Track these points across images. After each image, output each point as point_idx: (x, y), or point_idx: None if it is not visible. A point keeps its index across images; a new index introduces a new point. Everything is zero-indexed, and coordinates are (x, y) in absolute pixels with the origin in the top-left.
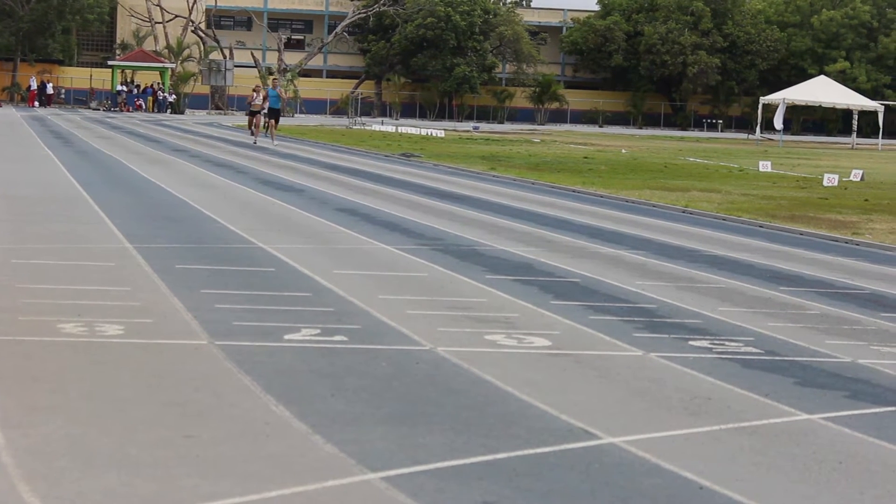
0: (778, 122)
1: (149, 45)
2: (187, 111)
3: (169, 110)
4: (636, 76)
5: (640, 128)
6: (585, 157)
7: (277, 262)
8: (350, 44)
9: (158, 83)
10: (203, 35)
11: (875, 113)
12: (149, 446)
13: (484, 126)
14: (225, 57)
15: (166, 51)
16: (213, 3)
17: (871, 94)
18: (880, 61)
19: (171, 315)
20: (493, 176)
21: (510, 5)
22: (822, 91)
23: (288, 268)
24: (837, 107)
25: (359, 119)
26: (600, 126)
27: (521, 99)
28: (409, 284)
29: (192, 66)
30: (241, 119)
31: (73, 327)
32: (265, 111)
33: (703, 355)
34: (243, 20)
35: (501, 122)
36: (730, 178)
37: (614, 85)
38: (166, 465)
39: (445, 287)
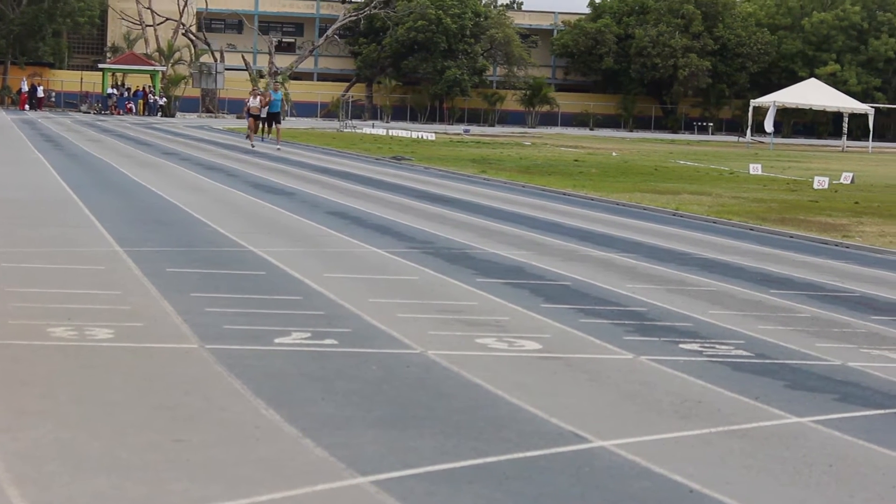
0: (768, 125)
1: (139, 48)
2: (178, 114)
3: (159, 113)
4: (627, 79)
5: (631, 131)
6: (576, 160)
7: (268, 265)
8: (341, 47)
9: (149, 86)
10: (194, 38)
11: (865, 116)
12: (139, 450)
13: (475, 129)
14: (216, 60)
15: (157, 54)
16: (204, 6)
17: (862, 97)
18: (870, 64)
19: (162, 318)
20: (484, 179)
21: (501, 8)
22: (812, 94)
23: (278, 271)
24: (828, 109)
25: (349, 122)
26: (591, 129)
27: (511, 102)
28: (400, 288)
29: (182, 69)
30: (232, 122)
31: (62, 331)
32: (262, 116)
33: (693, 358)
34: (234, 23)
35: (492, 125)
36: (720, 181)
37: (605, 88)
38: (156, 468)
39: (436, 290)
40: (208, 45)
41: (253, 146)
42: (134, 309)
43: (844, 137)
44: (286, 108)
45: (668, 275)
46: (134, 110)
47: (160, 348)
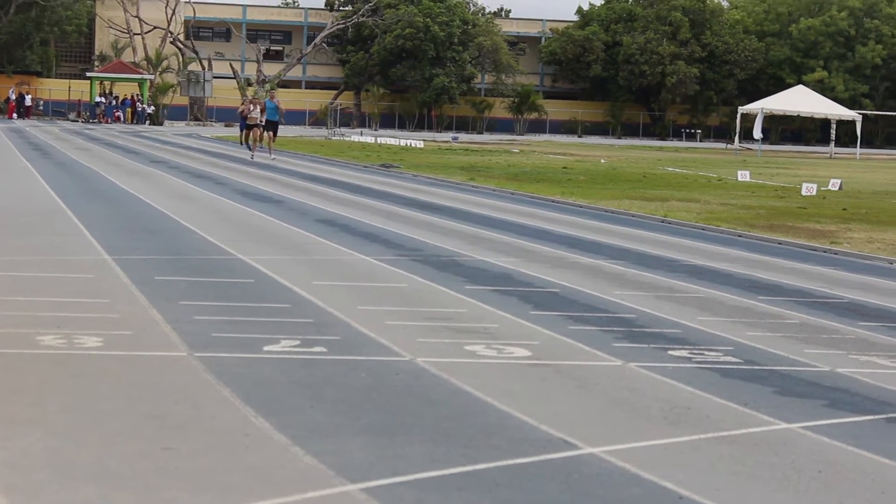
0: (756, 132)
1: (127, 57)
2: (166, 122)
3: (147, 121)
4: (615, 86)
5: (619, 138)
6: (564, 168)
7: (256, 273)
8: (329, 54)
9: (137, 94)
10: (182, 46)
11: (853, 122)
12: (128, 458)
13: (463, 136)
14: (203, 68)
15: (145, 62)
16: (192, 15)
17: (849, 104)
18: (858, 71)
19: (150, 327)
20: (473, 186)
21: (489, 16)
22: (800, 101)
23: (267, 279)
24: (815, 116)
25: (338, 130)
26: (579, 136)
27: (500, 109)
28: (389, 295)
29: (170, 78)
30: (221, 130)
31: (51, 339)
32: (262, 124)
33: (682, 365)
34: (222, 31)
35: (480, 133)
36: (708, 188)
37: (593, 95)
38: (145, 477)
39: (425, 298)
40: (196, 53)
41: (252, 157)
42: (122, 317)
43: (832, 144)
44: (281, 116)
45: (657, 281)
46: (122, 119)
47: (149, 356)
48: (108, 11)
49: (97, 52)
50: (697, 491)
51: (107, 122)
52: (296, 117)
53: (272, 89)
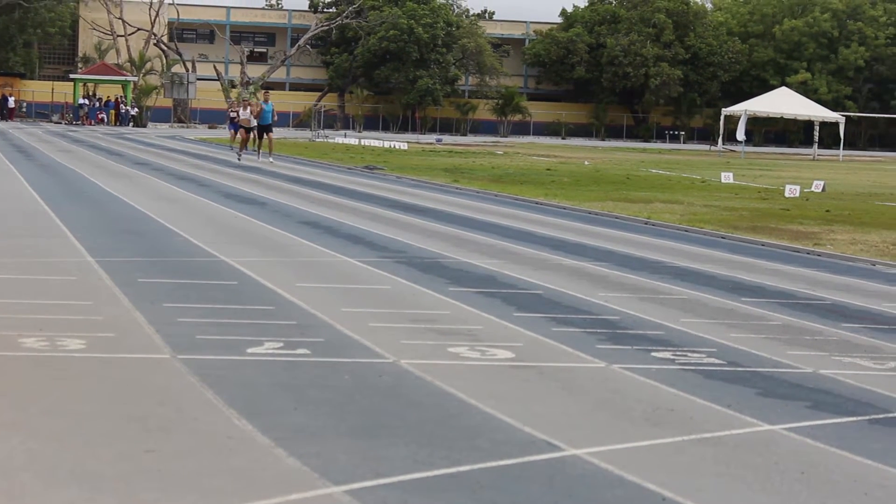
0: (740, 134)
1: (111, 59)
2: (149, 124)
3: (131, 123)
4: (598, 88)
5: (603, 139)
6: (548, 169)
7: (240, 275)
8: (313, 56)
9: (121, 96)
10: (165, 48)
11: (836, 124)
12: (110, 461)
13: (447, 138)
14: (187, 70)
15: (128, 64)
16: (176, 17)
17: (832, 106)
18: (841, 73)
19: (134, 329)
20: (456, 188)
21: (473, 18)
22: (783, 102)
23: (251, 281)
24: (799, 118)
25: (322, 132)
26: (563, 138)
27: (483, 111)
28: (372, 297)
29: (154, 80)
30: (204, 132)
31: (34, 342)
32: (254, 127)
33: (665, 366)
34: (206, 33)
35: (464, 135)
36: (692, 190)
37: (577, 97)
38: (128, 479)
39: (408, 299)
40: (180, 55)
41: (240, 159)
42: (105, 319)
43: (815, 146)
44: (276, 118)
45: (641, 283)
46: (105, 120)
47: (132, 359)
48: (92, 13)
49: (80, 54)
50: (680, 492)
51: (90, 124)
52: (280, 119)
53: (266, 91)
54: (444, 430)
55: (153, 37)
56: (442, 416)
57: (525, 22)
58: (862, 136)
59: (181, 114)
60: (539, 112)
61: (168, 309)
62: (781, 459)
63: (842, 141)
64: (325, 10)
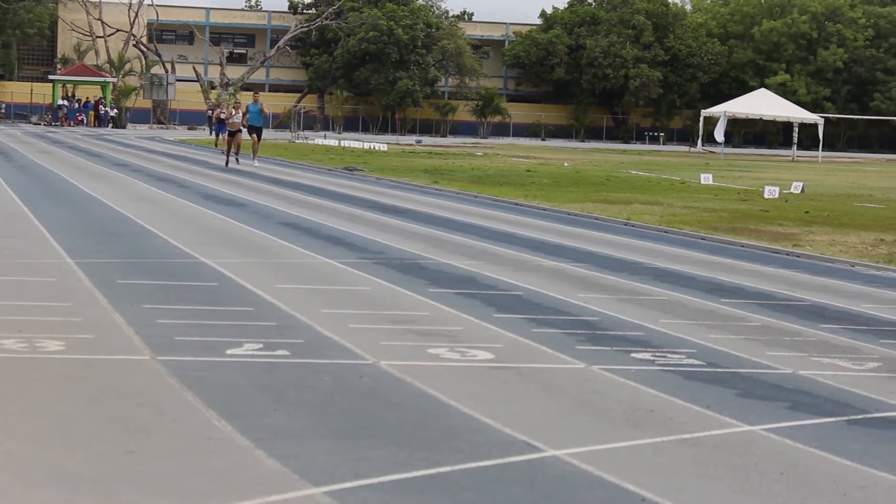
0: (719, 135)
1: (90, 60)
2: (129, 125)
3: (110, 125)
4: (578, 89)
5: (583, 141)
6: (528, 171)
7: (220, 276)
8: (292, 58)
9: (100, 97)
10: (145, 49)
11: (815, 125)
12: (90, 462)
13: (427, 139)
14: (167, 71)
15: (107, 65)
16: (155, 18)
17: (811, 107)
18: (819, 74)
19: (113, 330)
20: (436, 189)
21: (452, 19)
22: (762, 104)
23: (230, 282)
24: (778, 119)
25: (301, 133)
26: (543, 139)
27: (463, 112)
28: (352, 298)
29: (133, 81)
30: (184, 133)
31: (13, 343)
32: (243, 129)
33: (645, 367)
34: (185, 34)
35: (444, 136)
36: (672, 191)
37: (556, 98)
38: (107, 481)
39: (388, 301)
40: (159, 56)
41: (227, 165)
42: (85, 321)
43: (794, 147)
44: (267, 121)
45: (620, 284)
46: (85, 122)
47: (111, 360)
48: (71, 14)
49: (60, 55)
50: (660, 493)
51: (69, 126)
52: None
53: (256, 92)
54: (423, 432)
55: (132, 38)
56: (422, 418)
57: (504, 23)
58: (841, 138)
59: (161, 115)
60: (519, 113)
61: (147, 310)
62: (760, 460)
63: (821, 142)
64: (305, 11)
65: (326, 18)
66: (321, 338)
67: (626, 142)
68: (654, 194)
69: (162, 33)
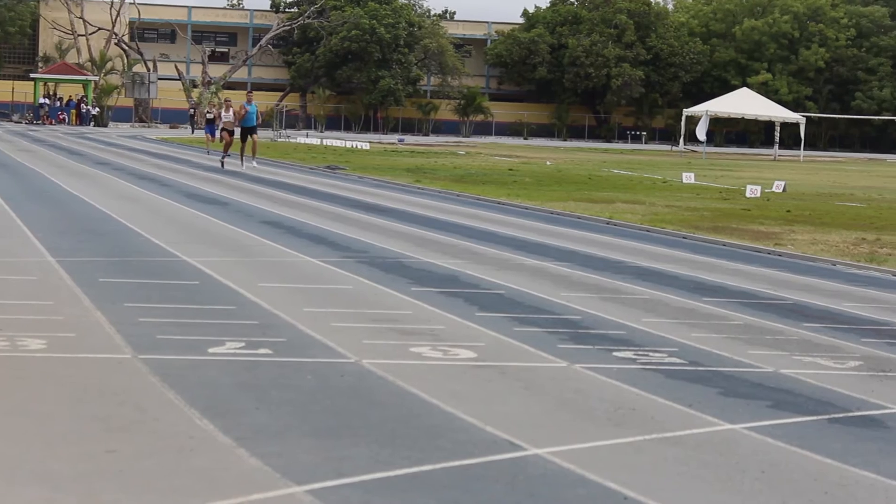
0: (701, 134)
1: (71, 58)
2: (111, 124)
3: (92, 123)
4: (560, 88)
5: (565, 140)
6: (510, 170)
7: (202, 275)
8: (275, 56)
9: (81, 96)
10: (126, 48)
11: (797, 125)
12: (71, 461)
13: (409, 138)
14: (148, 69)
15: (89, 63)
16: (137, 16)
17: (793, 106)
18: (801, 73)
19: (95, 329)
20: (419, 188)
21: (435, 18)
22: (744, 103)
23: (212, 281)
24: (760, 119)
25: (283, 132)
26: (525, 138)
27: (445, 111)
28: (334, 297)
29: (115, 79)
30: (166, 132)
31: None
32: (237, 129)
33: (627, 366)
34: (167, 33)
35: (426, 135)
36: (654, 190)
37: (539, 97)
38: (89, 479)
39: (370, 299)
40: (141, 54)
41: (223, 165)
42: (66, 319)
43: (776, 146)
44: (261, 120)
45: (603, 283)
46: (66, 120)
47: (93, 359)
48: (52, 12)
49: (41, 54)
50: (642, 492)
51: (51, 124)
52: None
53: (249, 92)
54: (406, 430)
55: (114, 36)
56: (404, 416)
57: (487, 22)
58: (822, 137)
59: (142, 113)
60: (501, 112)
61: (129, 309)
62: (742, 459)
63: (802, 141)
64: (287, 9)
65: (309, 17)
66: (303, 336)
67: (609, 141)
68: (637, 193)
69: (144, 32)
